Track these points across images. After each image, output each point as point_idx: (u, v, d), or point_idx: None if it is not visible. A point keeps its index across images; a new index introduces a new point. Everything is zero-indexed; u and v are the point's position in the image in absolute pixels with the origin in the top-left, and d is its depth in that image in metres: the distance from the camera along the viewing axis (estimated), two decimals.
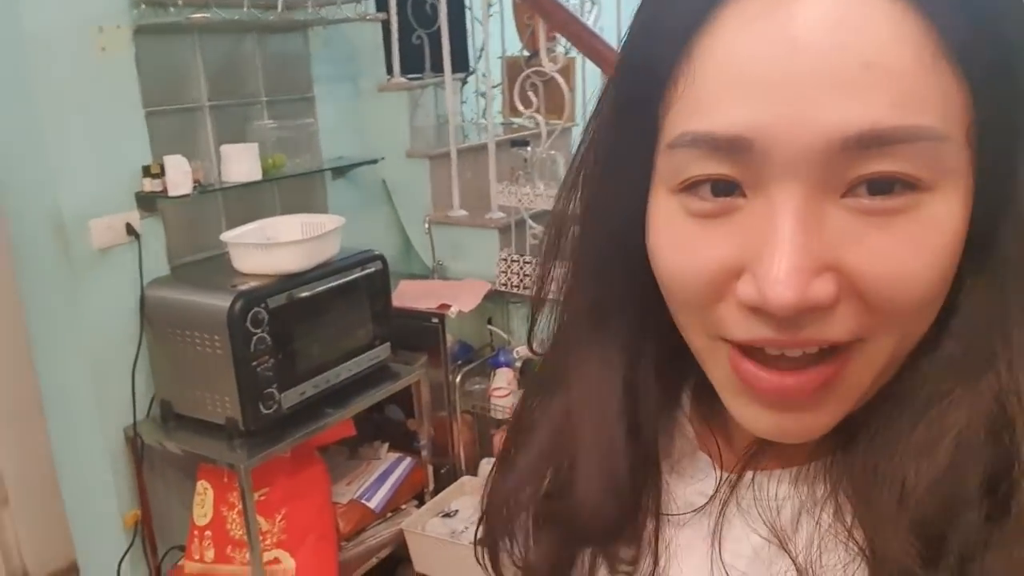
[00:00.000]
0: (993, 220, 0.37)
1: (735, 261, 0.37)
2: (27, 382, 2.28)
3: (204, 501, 2.05)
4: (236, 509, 1.99)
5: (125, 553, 2.13)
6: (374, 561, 2.27)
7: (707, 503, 0.46)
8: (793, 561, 0.40)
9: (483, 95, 3.22)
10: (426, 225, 2.74)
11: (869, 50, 0.34)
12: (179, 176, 2.01)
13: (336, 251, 2.15)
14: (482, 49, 3.12)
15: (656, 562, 0.47)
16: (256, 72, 2.38)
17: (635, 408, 0.48)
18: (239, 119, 2.33)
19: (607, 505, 0.47)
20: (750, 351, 0.38)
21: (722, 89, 0.36)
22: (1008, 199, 0.37)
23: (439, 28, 2.66)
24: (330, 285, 2.09)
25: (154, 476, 2.17)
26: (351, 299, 2.19)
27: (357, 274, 2.18)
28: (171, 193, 2.01)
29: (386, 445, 2.52)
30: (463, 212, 2.72)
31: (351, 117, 2.74)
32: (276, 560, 2.01)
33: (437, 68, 2.84)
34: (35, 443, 2.44)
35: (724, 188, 0.37)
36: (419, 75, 2.92)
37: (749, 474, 0.44)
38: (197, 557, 2.06)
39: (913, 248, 0.35)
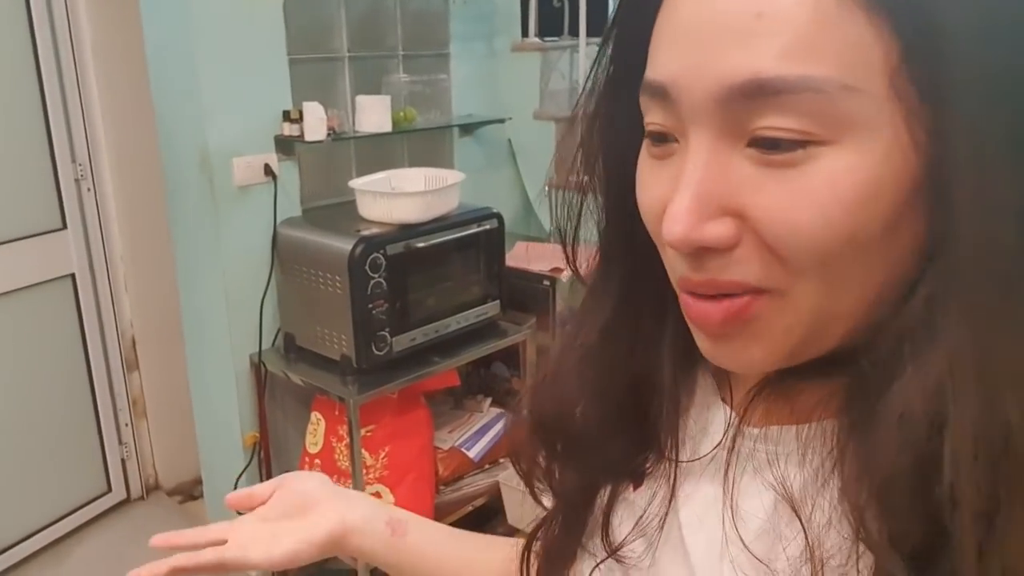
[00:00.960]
0: (947, 183, 0.34)
1: (666, 201, 0.39)
2: (171, 305, 2.48)
3: (316, 431, 2.17)
4: (344, 442, 2.10)
5: (243, 471, 2.29)
6: (469, 508, 2.34)
7: (714, 449, 0.47)
8: (803, 529, 0.39)
9: None
10: (547, 187, 2.75)
11: (765, 0, 0.35)
12: (315, 122, 2.11)
13: (455, 206, 2.20)
14: None
15: (669, 508, 0.48)
16: (395, 26, 2.45)
17: (646, 355, 0.49)
18: (376, 71, 2.42)
19: (617, 446, 0.50)
20: (689, 287, 0.41)
21: (660, 42, 0.39)
22: (964, 161, 0.34)
23: None
24: (446, 238, 2.15)
25: (273, 403, 2.32)
26: (466, 254, 2.24)
27: (473, 230, 2.23)
28: (307, 138, 2.11)
29: (489, 400, 2.58)
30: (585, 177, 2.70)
31: (483, 76, 2.77)
32: (377, 494, 2.11)
33: (575, 32, 2.83)
34: (173, 363, 2.66)
35: (663, 135, 0.40)
36: (555, 38, 2.91)
37: (759, 429, 0.44)
38: None
39: (803, 200, 0.35)
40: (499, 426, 2.48)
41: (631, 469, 0.50)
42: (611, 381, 0.50)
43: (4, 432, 2.51)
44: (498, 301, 2.35)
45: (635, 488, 0.51)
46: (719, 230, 0.37)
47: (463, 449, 2.38)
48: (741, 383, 0.48)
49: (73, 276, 2.64)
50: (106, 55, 2.57)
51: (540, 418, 0.53)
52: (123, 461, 2.89)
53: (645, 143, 0.43)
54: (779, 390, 0.43)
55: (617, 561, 0.50)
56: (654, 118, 0.40)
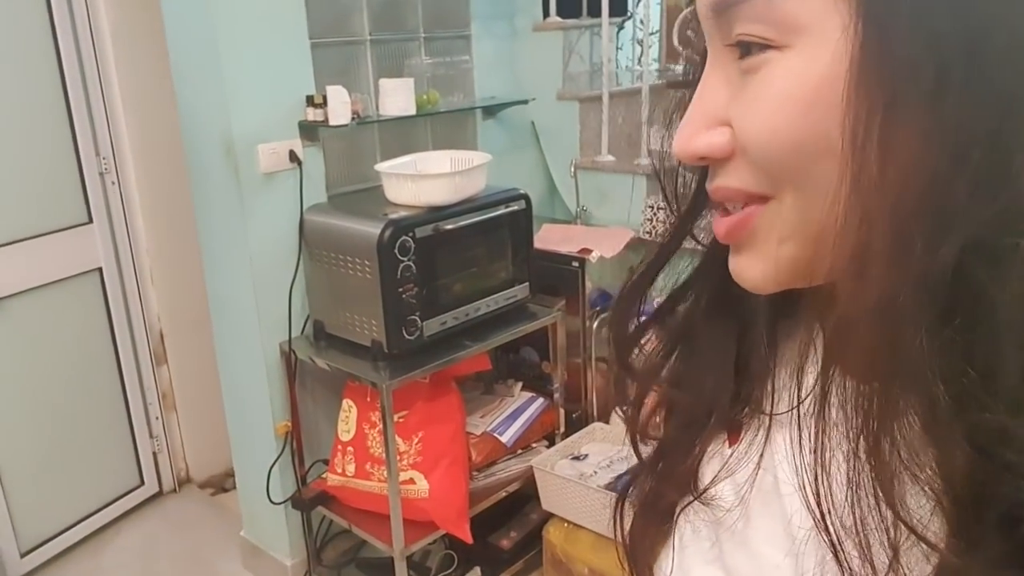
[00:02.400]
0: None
1: None
2: (198, 297, 2.47)
3: (348, 418, 2.15)
4: (377, 428, 2.08)
5: (275, 461, 2.28)
6: (502, 494, 2.32)
7: (806, 399, 0.44)
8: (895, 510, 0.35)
9: (640, 42, 3.14)
10: (572, 169, 2.72)
11: None
12: (339, 106, 2.09)
13: (482, 187, 2.17)
14: None
15: (760, 462, 0.46)
16: (416, 8, 2.42)
17: (741, 306, 0.49)
18: (398, 54, 2.39)
19: (715, 393, 0.50)
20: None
21: None
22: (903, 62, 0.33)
23: None
24: (474, 220, 2.12)
25: (304, 391, 2.30)
26: (494, 236, 2.21)
27: (501, 211, 2.20)
28: (331, 122, 2.09)
29: (519, 384, 2.56)
30: (611, 157, 2.67)
31: (505, 57, 2.74)
32: (411, 480, 2.09)
33: (594, 13, 2.79)
34: (201, 355, 2.65)
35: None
36: (576, 18, 2.88)
37: (857, 385, 0.40)
38: (339, 471, 2.18)
39: (757, 105, 0.37)
40: (531, 410, 2.45)
41: (728, 418, 0.49)
42: (714, 329, 0.50)
43: (38, 427, 2.51)
44: (527, 284, 2.32)
45: (731, 443, 0.49)
46: (712, 139, 0.39)
47: (496, 434, 2.35)
48: None
49: (100, 270, 2.64)
50: (126, 45, 2.56)
51: (644, 375, 0.54)
52: (155, 455, 2.89)
53: None
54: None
55: (705, 504, 0.48)
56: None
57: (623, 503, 0.56)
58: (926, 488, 0.34)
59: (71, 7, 2.42)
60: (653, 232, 2.50)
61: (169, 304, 2.83)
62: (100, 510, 2.72)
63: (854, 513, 0.36)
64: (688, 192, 0.49)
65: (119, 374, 2.74)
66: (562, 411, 2.52)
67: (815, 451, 0.39)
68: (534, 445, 2.46)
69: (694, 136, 0.40)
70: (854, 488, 0.36)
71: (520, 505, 2.49)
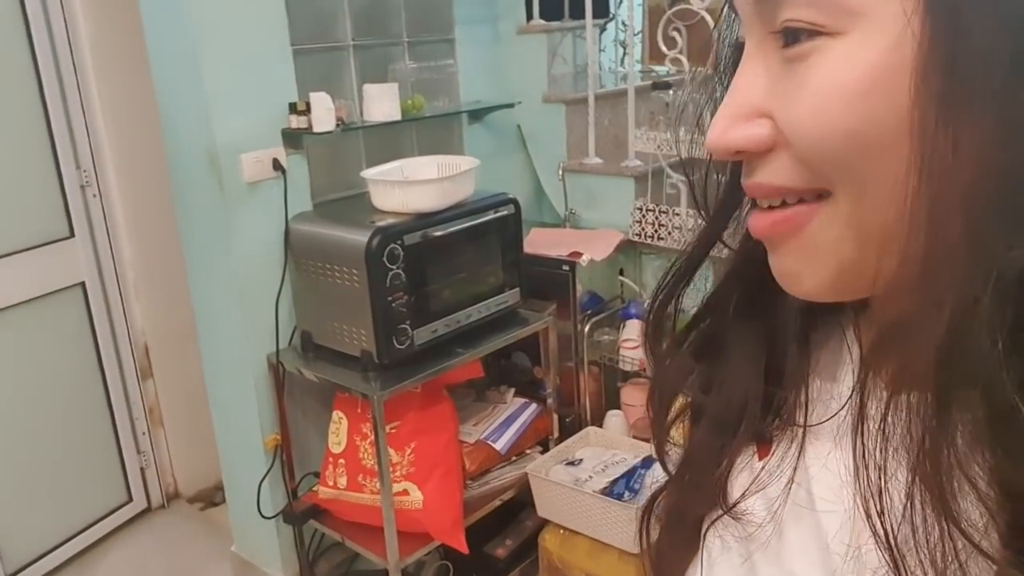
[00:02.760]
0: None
1: None
2: (183, 309, 2.43)
3: (339, 430, 2.12)
4: (368, 439, 2.05)
5: (265, 475, 2.24)
6: (497, 502, 2.29)
7: (841, 410, 0.42)
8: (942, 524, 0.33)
9: (623, 43, 3.13)
10: (560, 172, 2.70)
11: None
12: (323, 113, 2.06)
13: (470, 193, 2.15)
14: None
15: (794, 476, 0.44)
16: (399, 12, 2.40)
17: (774, 310, 0.47)
18: (381, 59, 2.36)
19: (746, 403, 0.47)
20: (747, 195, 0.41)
21: None
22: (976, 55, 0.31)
23: None
24: (463, 225, 2.09)
25: (293, 404, 2.27)
26: (483, 241, 2.19)
27: (490, 216, 2.17)
28: (316, 129, 2.06)
29: (512, 390, 2.53)
30: (598, 160, 2.65)
31: (490, 61, 2.72)
32: (405, 492, 2.06)
33: (577, 15, 2.78)
34: (188, 369, 2.62)
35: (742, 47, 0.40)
36: (558, 21, 2.86)
37: (894, 395, 0.39)
38: (331, 483, 2.14)
39: (805, 94, 0.35)
40: (525, 416, 2.43)
41: (758, 430, 0.47)
42: (744, 334, 0.47)
43: (23, 445, 2.47)
44: (518, 289, 2.30)
45: (760, 456, 0.47)
46: (750, 132, 0.37)
47: (489, 442, 2.32)
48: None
49: (83, 284, 2.60)
50: (106, 55, 2.52)
51: (671, 383, 0.52)
52: (142, 470, 2.85)
53: None
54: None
55: (736, 519, 0.46)
56: (739, 32, 0.40)
57: (650, 516, 0.54)
58: (982, 500, 0.32)
59: (48, 19, 2.38)
60: (643, 234, 2.49)
61: (154, 317, 2.79)
62: (88, 528, 2.68)
63: (915, 527, 0.34)
64: (719, 193, 0.47)
65: (104, 389, 2.70)
66: (555, 416, 2.50)
67: (876, 467, 0.36)
68: (528, 451, 2.44)
69: (730, 128, 0.38)
70: (913, 502, 0.34)
71: (515, 512, 2.46)
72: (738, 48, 0.42)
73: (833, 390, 0.45)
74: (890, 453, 0.37)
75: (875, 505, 0.36)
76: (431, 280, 2.06)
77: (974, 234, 0.31)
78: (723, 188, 0.47)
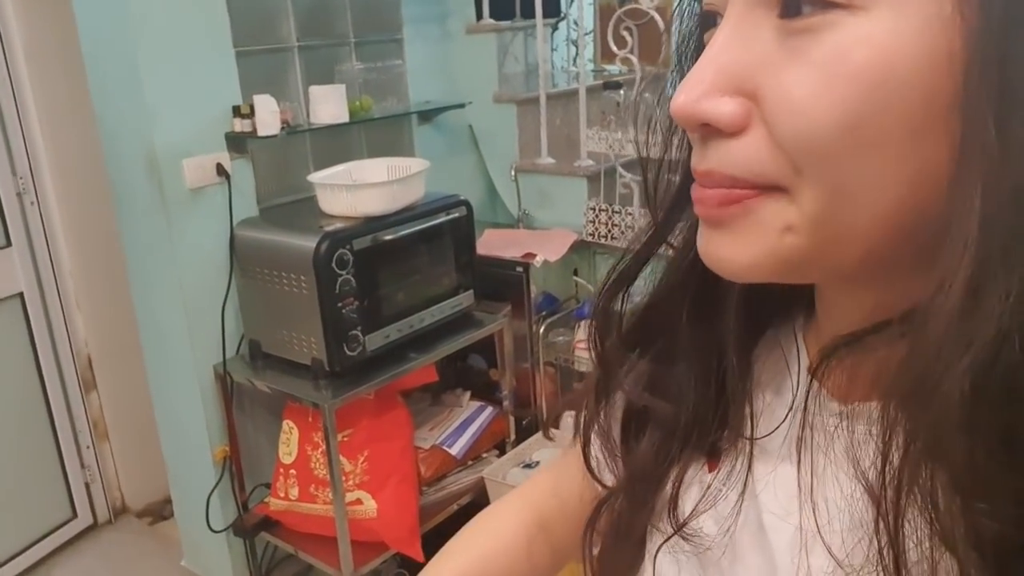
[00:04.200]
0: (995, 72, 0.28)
1: None
2: (126, 320, 2.36)
3: (289, 440, 2.08)
4: (320, 449, 2.01)
5: (214, 488, 2.19)
6: (454, 508, 2.26)
7: (784, 422, 0.41)
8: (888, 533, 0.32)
9: (575, 42, 3.12)
10: (512, 172, 2.68)
11: None
12: (268, 116, 2.01)
13: (421, 195, 2.12)
14: None
15: (744, 490, 0.43)
16: (345, 12, 2.35)
17: (717, 319, 0.45)
18: (327, 60, 2.32)
19: (693, 416, 0.46)
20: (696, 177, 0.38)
21: None
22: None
23: None
24: (414, 229, 2.06)
25: (243, 415, 2.22)
26: (435, 244, 2.16)
27: (442, 219, 2.15)
28: (260, 133, 2.01)
29: (468, 393, 2.51)
30: (550, 160, 2.64)
31: (439, 60, 2.69)
32: (358, 501, 2.03)
33: (528, 14, 2.76)
34: (132, 380, 2.54)
35: (713, 14, 0.37)
36: (509, 20, 2.84)
37: (841, 405, 0.38)
38: (282, 495, 2.10)
39: (809, 71, 0.31)
40: (481, 419, 2.41)
41: (707, 444, 0.45)
42: (694, 339, 0.45)
43: None
44: (472, 291, 2.28)
45: (710, 469, 0.46)
46: (723, 107, 0.33)
47: (444, 447, 2.30)
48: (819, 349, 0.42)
49: (22, 295, 2.51)
50: (41, 59, 2.43)
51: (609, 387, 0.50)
52: (87, 485, 2.76)
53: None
54: (856, 353, 0.36)
55: (685, 540, 0.45)
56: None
57: (592, 529, 0.52)
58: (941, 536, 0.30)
59: None
60: (596, 234, 2.48)
61: (96, 328, 2.70)
62: (31, 546, 2.58)
63: (881, 550, 0.33)
64: (670, 193, 0.45)
65: (46, 403, 2.61)
66: (512, 419, 2.48)
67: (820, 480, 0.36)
68: (485, 455, 2.42)
69: (704, 98, 0.33)
70: (876, 521, 0.33)
71: (472, 517, 2.44)
72: (699, 39, 0.40)
73: (776, 402, 0.44)
74: (838, 466, 0.36)
75: (826, 521, 0.36)
76: (383, 285, 2.02)
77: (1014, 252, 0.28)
78: (675, 189, 0.44)
